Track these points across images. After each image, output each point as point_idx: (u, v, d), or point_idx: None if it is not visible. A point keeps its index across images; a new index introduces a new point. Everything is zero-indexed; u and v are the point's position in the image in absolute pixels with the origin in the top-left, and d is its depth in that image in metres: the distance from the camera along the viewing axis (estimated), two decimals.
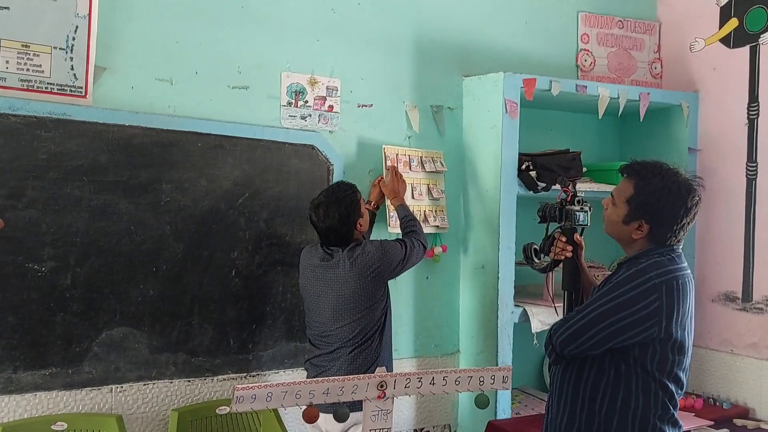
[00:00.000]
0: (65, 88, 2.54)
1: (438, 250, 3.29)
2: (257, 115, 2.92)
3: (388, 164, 3.10)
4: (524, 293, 3.30)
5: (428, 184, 3.25)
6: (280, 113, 2.97)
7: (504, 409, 3.12)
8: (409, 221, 2.92)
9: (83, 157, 2.58)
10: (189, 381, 2.78)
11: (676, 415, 2.07)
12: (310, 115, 3.02)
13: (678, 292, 1.99)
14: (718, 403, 3.41)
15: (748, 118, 3.43)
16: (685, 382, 2.09)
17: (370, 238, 2.94)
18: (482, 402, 2.16)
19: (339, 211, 2.63)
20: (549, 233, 2.42)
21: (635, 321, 1.97)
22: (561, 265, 2.40)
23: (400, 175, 3.08)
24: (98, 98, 2.62)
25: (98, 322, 2.61)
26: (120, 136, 2.65)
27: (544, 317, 3.14)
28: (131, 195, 2.67)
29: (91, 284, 2.60)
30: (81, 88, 2.57)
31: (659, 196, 2.05)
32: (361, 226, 2.71)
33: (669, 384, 2.03)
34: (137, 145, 2.68)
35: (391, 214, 3.07)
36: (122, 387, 2.66)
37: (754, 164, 3.39)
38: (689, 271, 2.08)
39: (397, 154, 3.17)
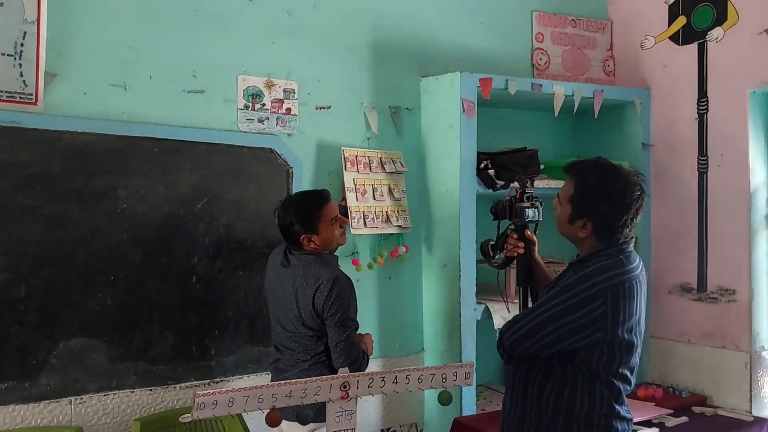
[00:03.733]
0: (15, 96, 2.48)
1: (401, 250, 3.31)
2: (214, 119, 2.90)
3: None
4: (486, 290, 3.32)
5: (389, 185, 3.26)
6: (237, 117, 2.95)
7: (469, 406, 3.15)
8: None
9: (35, 165, 2.53)
10: (151, 390, 2.74)
11: (623, 412, 2.11)
12: (268, 118, 3.01)
13: (624, 296, 2.02)
14: (677, 392, 3.49)
15: (697, 113, 3.52)
16: (633, 379, 2.13)
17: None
18: (445, 399, 2.18)
19: (294, 216, 2.57)
20: (502, 230, 2.46)
21: (581, 326, 2.00)
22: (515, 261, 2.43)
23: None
24: (49, 105, 2.56)
25: (55, 333, 2.56)
26: (73, 143, 2.60)
27: (506, 314, 3.17)
28: (86, 203, 2.62)
29: (47, 295, 2.54)
30: (31, 95, 2.51)
31: (596, 194, 2.09)
32: (311, 242, 2.57)
33: (615, 382, 2.08)
34: (91, 152, 2.64)
35: (353, 215, 3.08)
36: (82, 398, 2.61)
37: (705, 158, 3.48)
38: (640, 270, 2.12)
39: (356, 156, 3.17)
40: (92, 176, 2.63)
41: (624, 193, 2.07)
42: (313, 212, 2.58)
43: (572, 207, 2.12)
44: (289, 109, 3.05)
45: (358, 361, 2.54)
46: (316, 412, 2.28)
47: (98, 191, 2.64)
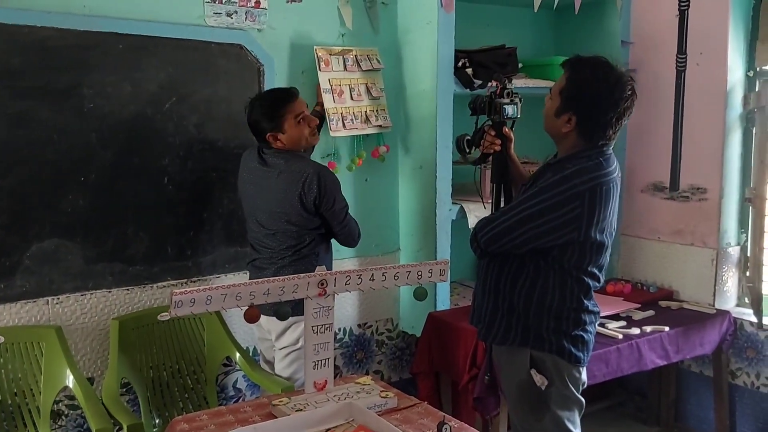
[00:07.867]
0: None
1: (382, 150, 3.28)
2: (180, 13, 2.77)
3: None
4: (462, 191, 3.33)
5: (366, 84, 3.18)
6: (204, 10, 2.82)
7: (443, 301, 3.22)
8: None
9: None
10: (128, 290, 2.76)
11: (590, 306, 2.19)
12: (236, 12, 2.88)
13: (600, 198, 2.04)
14: (645, 288, 3.60)
15: (678, 9, 3.44)
16: (602, 276, 2.20)
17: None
18: (420, 294, 2.22)
19: (260, 112, 2.55)
20: (479, 126, 2.43)
21: (557, 226, 2.04)
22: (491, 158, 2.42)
23: None
24: None
25: (27, 235, 2.53)
26: (33, 38, 2.48)
27: (480, 213, 3.19)
28: (51, 101, 2.53)
29: (16, 196, 2.50)
30: None
31: (587, 87, 2.07)
32: (277, 141, 2.55)
33: (585, 279, 2.14)
34: (53, 48, 2.52)
35: (331, 117, 3.02)
36: (59, 298, 2.62)
37: (684, 56, 3.44)
38: (617, 173, 2.13)
39: (330, 55, 3.08)
40: (55, 73, 2.53)
41: (613, 89, 2.05)
42: (278, 109, 2.54)
43: (561, 99, 2.11)
44: (258, 2, 2.92)
45: (356, 233, 2.73)
46: (294, 307, 2.31)
47: (63, 89, 2.55)
